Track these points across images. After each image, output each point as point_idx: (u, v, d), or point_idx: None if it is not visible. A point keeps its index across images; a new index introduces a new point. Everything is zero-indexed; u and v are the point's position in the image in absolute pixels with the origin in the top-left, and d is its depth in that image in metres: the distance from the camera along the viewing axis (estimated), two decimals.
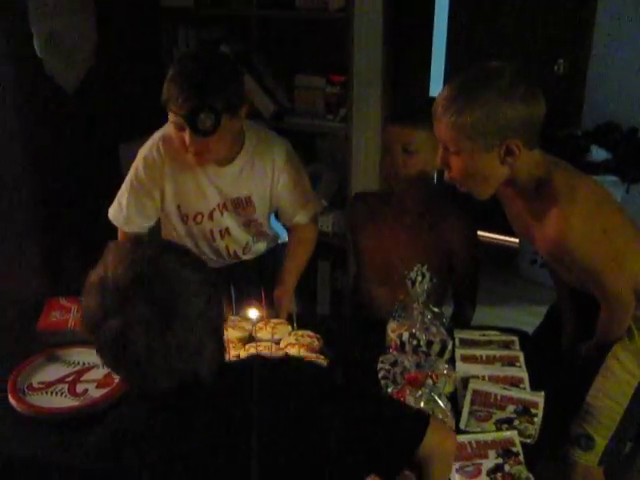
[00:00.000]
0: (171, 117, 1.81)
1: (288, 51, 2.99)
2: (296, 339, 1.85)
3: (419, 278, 1.72)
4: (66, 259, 2.66)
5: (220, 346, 1.18)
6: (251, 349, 1.81)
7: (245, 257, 2.20)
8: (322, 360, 1.76)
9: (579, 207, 1.59)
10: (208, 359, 1.12)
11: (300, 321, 1.92)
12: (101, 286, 1.08)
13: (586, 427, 1.72)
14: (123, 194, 2.06)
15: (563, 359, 1.98)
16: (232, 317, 1.94)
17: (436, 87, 3.00)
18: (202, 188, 2.01)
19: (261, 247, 2.22)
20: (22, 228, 2.50)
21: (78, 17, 2.56)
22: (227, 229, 2.09)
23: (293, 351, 1.80)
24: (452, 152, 1.58)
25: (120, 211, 2.05)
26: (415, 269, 1.72)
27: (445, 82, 3.05)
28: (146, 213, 2.05)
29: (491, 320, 3.29)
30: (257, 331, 1.91)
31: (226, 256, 2.16)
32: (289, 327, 1.93)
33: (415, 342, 1.53)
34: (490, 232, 4.07)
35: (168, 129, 1.92)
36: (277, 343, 1.86)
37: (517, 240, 3.93)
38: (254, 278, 2.15)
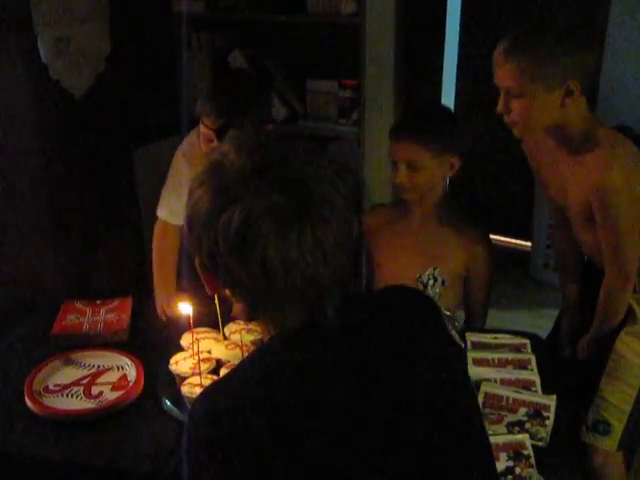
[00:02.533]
0: (202, 128, 1.95)
1: (301, 55, 3.01)
2: None
3: (430, 281, 1.74)
4: (80, 263, 2.69)
5: (352, 269, 0.97)
6: None
7: None
8: None
9: (622, 159, 1.67)
10: (341, 277, 0.92)
11: None
12: (217, 172, 0.91)
13: (602, 413, 1.76)
14: (166, 189, 2.20)
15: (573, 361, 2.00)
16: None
17: (449, 91, 3.01)
18: None
19: None
20: (35, 233, 2.53)
21: (90, 22, 2.58)
22: None
23: None
24: (514, 95, 1.66)
25: (163, 206, 2.20)
26: (427, 272, 1.74)
27: (457, 88, 3.06)
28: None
29: (502, 323, 3.29)
30: None
31: None
32: None
33: None
34: (502, 235, 4.08)
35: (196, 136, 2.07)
36: None
37: (529, 243, 3.93)
38: None
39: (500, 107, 1.71)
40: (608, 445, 1.78)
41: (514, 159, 3.91)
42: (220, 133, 1.89)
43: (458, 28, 2.94)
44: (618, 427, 1.77)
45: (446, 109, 2.23)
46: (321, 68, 2.91)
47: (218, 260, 0.91)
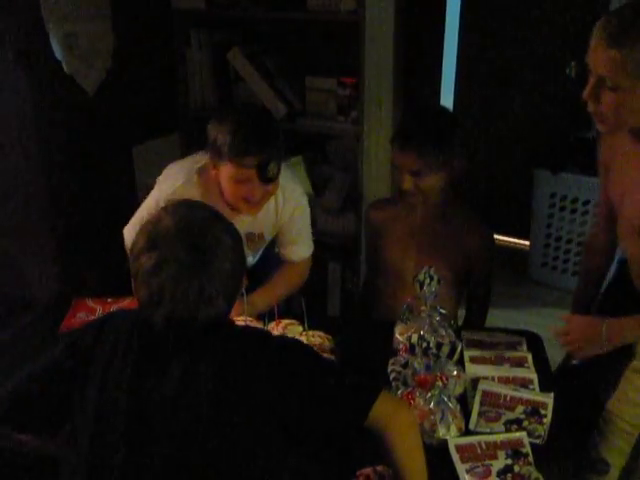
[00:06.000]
0: (230, 170, 1.83)
1: (300, 53, 3.00)
2: (307, 339, 1.87)
3: (427, 280, 1.73)
4: (80, 260, 2.68)
5: (228, 309, 1.30)
6: None
7: None
8: (332, 360, 1.77)
9: None
10: (214, 313, 1.24)
11: (311, 321, 1.94)
12: (152, 228, 1.24)
13: (602, 452, 1.72)
14: (134, 224, 2.07)
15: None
16: (242, 318, 1.95)
17: (448, 90, 3.00)
18: None
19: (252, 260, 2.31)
20: (37, 228, 2.52)
21: (94, 20, 2.58)
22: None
23: None
24: (609, 87, 1.49)
25: (128, 239, 2.06)
26: (423, 271, 1.73)
27: (457, 86, 3.05)
28: None
29: (501, 322, 3.29)
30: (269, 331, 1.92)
31: None
32: (300, 327, 1.94)
33: (425, 344, 1.54)
34: (501, 234, 4.07)
35: (205, 176, 1.97)
36: None
37: (528, 242, 3.93)
38: None
39: (588, 94, 1.54)
40: None
41: (513, 157, 3.95)
42: (262, 169, 1.80)
43: (458, 25, 2.92)
44: (618, 466, 1.72)
45: (448, 112, 2.24)
46: (320, 65, 2.90)
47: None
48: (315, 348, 1.81)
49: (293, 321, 1.97)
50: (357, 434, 1.31)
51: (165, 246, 1.21)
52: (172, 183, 1.99)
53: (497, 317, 3.42)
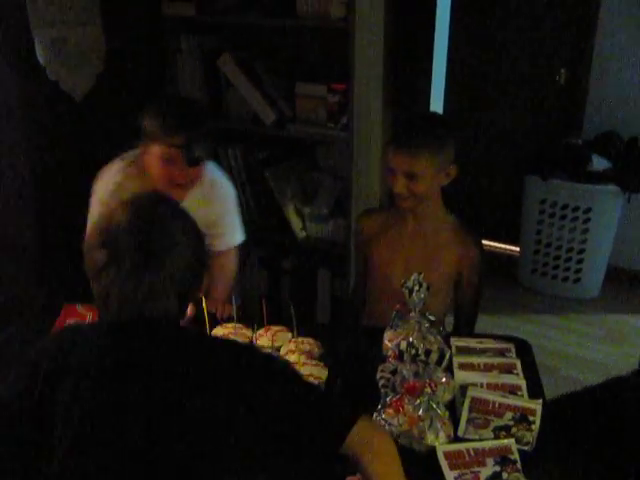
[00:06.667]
0: (157, 150, 1.94)
1: (290, 59, 3.00)
2: (296, 346, 1.86)
3: (416, 287, 1.73)
4: (69, 268, 2.67)
5: (181, 308, 1.29)
6: None
7: None
8: (321, 367, 1.77)
9: None
10: (165, 311, 1.23)
11: (300, 328, 1.93)
12: (105, 224, 1.23)
13: None
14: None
15: None
16: (234, 324, 1.95)
17: (437, 96, 3.01)
18: None
19: None
20: (26, 236, 2.52)
21: (84, 25, 2.57)
22: None
23: (292, 358, 1.80)
24: None
25: None
26: (412, 278, 1.73)
27: (446, 93, 3.07)
28: None
29: (490, 327, 3.30)
30: (257, 338, 1.92)
31: None
32: (290, 334, 1.93)
33: (414, 351, 1.54)
34: (492, 240, 4.09)
35: (138, 164, 2.07)
36: (278, 350, 1.87)
37: (518, 249, 3.94)
38: None
39: None
40: None
41: (504, 163, 3.97)
42: (188, 149, 1.91)
43: (447, 32, 2.92)
44: None
45: (442, 118, 2.27)
46: (310, 72, 2.90)
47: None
48: (305, 355, 1.82)
49: (282, 328, 1.96)
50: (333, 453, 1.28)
51: (116, 243, 1.20)
52: (111, 180, 2.12)
53: (486, 322, 3.43)
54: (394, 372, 1.61)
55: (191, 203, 2.06)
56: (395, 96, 2.93)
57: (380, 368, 1.69)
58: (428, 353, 1.55)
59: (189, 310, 1.85)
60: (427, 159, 1.94)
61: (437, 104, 2.98)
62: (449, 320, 2.32)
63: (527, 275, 3.89)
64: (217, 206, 2.21)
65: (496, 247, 4.14)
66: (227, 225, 2.29)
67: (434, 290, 2.09)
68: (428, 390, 1.56)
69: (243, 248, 2.37)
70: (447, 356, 1.59)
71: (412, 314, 1.78)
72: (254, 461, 1.27)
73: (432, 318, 1.80)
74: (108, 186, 2.11)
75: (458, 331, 2.24)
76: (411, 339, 1.63)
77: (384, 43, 2.75)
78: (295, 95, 2.89)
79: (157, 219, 1.24)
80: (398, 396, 1.58)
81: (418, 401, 1.55)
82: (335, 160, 3.02)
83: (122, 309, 1.22)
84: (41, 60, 2.43)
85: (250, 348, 1.40)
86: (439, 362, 1.56)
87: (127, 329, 1.24)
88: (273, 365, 1.34)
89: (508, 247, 4.13)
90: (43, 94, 2.48)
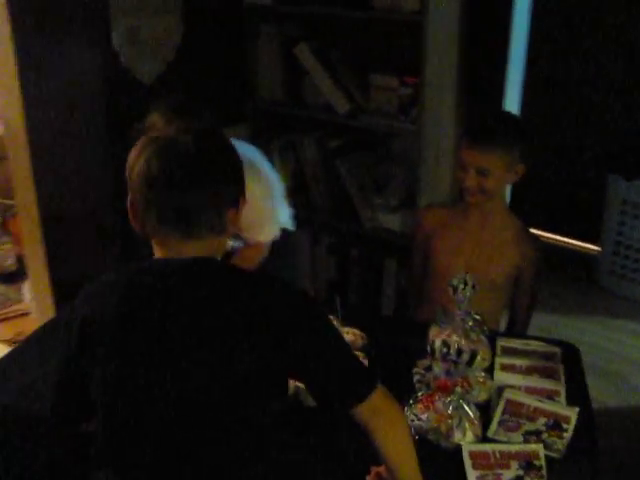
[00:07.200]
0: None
1: (364, 50, 3.02)
2: None
3: (461, 285, 1.74)
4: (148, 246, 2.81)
5: (223, 225, 1.29)
6: None
7: None
8: (362, 358, 1.81)
9: None
10: (210, 229, 1.27)
11: (347, 318, 1.98)
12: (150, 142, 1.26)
13: None
14: None
15: None
16: None
17: (514, 93, 2.95)
18: None
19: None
20: (106, 213, 2.67)
21: (162, 14, 2.69)
22: None
23: None
24: None
25: None
26: (458, 276, 1.74)
27: (525, 89, 3.00)
28: None
29: (562, 329, 3.26)
30: None
31: None
32: (337, 323, 1.98)
33: (445, 349, 1.56)
34: (570, 237, 3.98)
35: None
36: None
37: (598, 248, 3.82)
38: None
39: None
40: None
41: (587, 161, 3.85)
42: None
43: (526, 32, 2.84)
44: None
45: (516, 118, 2.34)
46: (384, 64, 2.91)
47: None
48: None
49: (331, 317, 2.01)
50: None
51: (174, 151, 1.23)
52: None
53: (558, 323, 3.38)
54: (428, 369, 1.64)
55: None
56: (469, 93, 2.89)
57: (416, 363, 1.72)
58: (460, 353, 1.56)
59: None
60: (499, 156, 1.99)
61: (513, 100, 2.93)
62: (505, 319, 2.32)
63: (605, 276, 3.77)
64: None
65: (575, 245, 4.02)
66: (252, 221, 2.20)
67: (492, 287, 2.13)
68: (459, 389, 1.58)
69: (311, 235, 2.42)
70: (477, 358, 1.59)
71: (457, 312, 1.79)
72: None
73: (477, 317, 1.80)
74: None
75: (511, 331, 2.24)
76: (447, 337, 1.64)
77: (459, 39, 2.72)
78: (369, 86, 2.91)
79: (214, 136, 1.32)
80: (430, 392, 1.61)
81: (448, 399, 1.58)
82: (408, 153, 3.02)
83: (179, 229, 1.25)
84: (116, 47, 2.56)
85: (303, 293, 1.37)
86: (469, 363, 1.57)
87: (170, 266, 1.26)
88: (317, 312, 1.35)
89: (588, 245, 4.00)
90: (118, 79, 2.61)
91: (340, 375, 1.31)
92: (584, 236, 3.95)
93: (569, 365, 1.86)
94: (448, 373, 1.58)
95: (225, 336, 1.22)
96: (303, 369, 1.30)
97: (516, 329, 2.23)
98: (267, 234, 2.30)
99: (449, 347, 1.56)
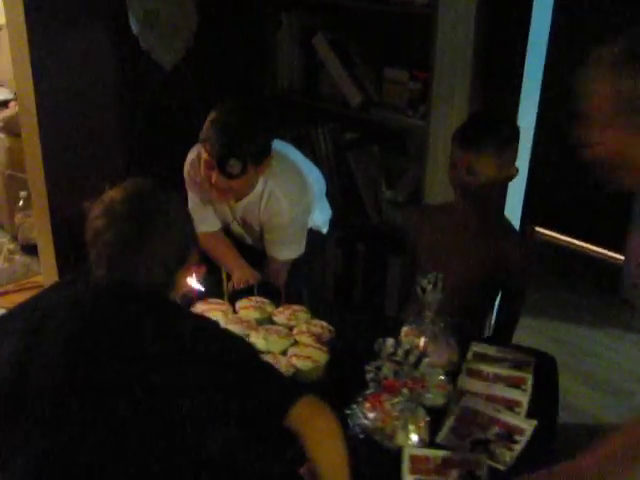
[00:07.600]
0: (204, 155, 2.01)
1: (381, 43, 2.97)
2: (307, 328, 1.90)
3: (429, 287, 1.71)
4: None
5: (167, 281, 1.39)
6: (262, 331, 1.87)
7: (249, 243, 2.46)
8: (323, 352, 1.79)
9: None
10: (148, 280, 1.34)
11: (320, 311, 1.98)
12: (104, 201, 1.36)
13: None
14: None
15: None
16: (255, 298, 2.03)
17: (532, 94, 2.85)
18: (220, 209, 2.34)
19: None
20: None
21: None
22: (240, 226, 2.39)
23: (301, 338, 1.86)
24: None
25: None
26: (429, 276, 1.71)
27: (542, 92, 2.90)
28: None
29: (578, 339, 3.16)
30: (276, 314, 1.98)
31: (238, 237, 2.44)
32: (307, 315, 1.97)
33: (391, 350, 1.53)
34: (593, 244, 3.86)
35: (196, 159, 2.17)
36: (290, 329, 1.92)
37: (622, 257, 3.69)
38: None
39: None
40: None
41: None
42: (221, 161, 1.95)
43: (548, 30, 2.73)
44: None
45: (510, 119, 2.32)
46: (398, 57, 2.86)
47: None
48: (313, 337, 1.85)
49: (303, 308, 2.01)
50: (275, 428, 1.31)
51: (114, 212, 1.33)
52: (189, 157, 2.27)
53: (576, 334, 3.29)
54: (379, 368, 1.61)
55: (244, 206, 2.24)
56: (483, 92, 2.81)
57: (369, 362, 1.69)
58: (407, 354, 1.53)
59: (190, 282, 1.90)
60: (489, 158, 1.95)
61: (530, 103, 2.83)
62: (490, 324, 2.28)
63: (628, 288, 3.64)
64: (264, 217, 2.23)
65: (598, 252, 3.90)
66: (275, 238, 2.30)
67: (473, 289, 2.08)
68: (406, 391, 1.55)
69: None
70: (425, 361, 1.56)
71: (426, 313, 1.76)
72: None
73: (447, 319, 1.78)
74: (187, 162, 2.29)
75: (496, 335, 2.19)
76: (407, 338, 1.62)
77: (474, 37, 2.64)
78: (383, 80, 2.87)
79: (155, 201, 1.38)
80: (378, 392, 1.58)
81: (396, 400, 1.55)
82: (417, 148, 2.97)
83: (110, 274, 1.32)
84: (134, 30, 2.58)
85: (214, 324, 1.45)
86: (416, 365, 1.53)
87: (110, 292, 1.33)
88: (229, 340, 1.39)
89: (612, 254, 3.87)
90: (135, 61, 2.64)
91: (259, 393, 1.32)
92: (609, 244, 3.83)
93: (543, 376, 1.80)
94: (396, 374, 1.55)
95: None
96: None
97: (501, 334, 2.18)
98: (281, 254, 2.33)
99: (396, 348, 1.53)
